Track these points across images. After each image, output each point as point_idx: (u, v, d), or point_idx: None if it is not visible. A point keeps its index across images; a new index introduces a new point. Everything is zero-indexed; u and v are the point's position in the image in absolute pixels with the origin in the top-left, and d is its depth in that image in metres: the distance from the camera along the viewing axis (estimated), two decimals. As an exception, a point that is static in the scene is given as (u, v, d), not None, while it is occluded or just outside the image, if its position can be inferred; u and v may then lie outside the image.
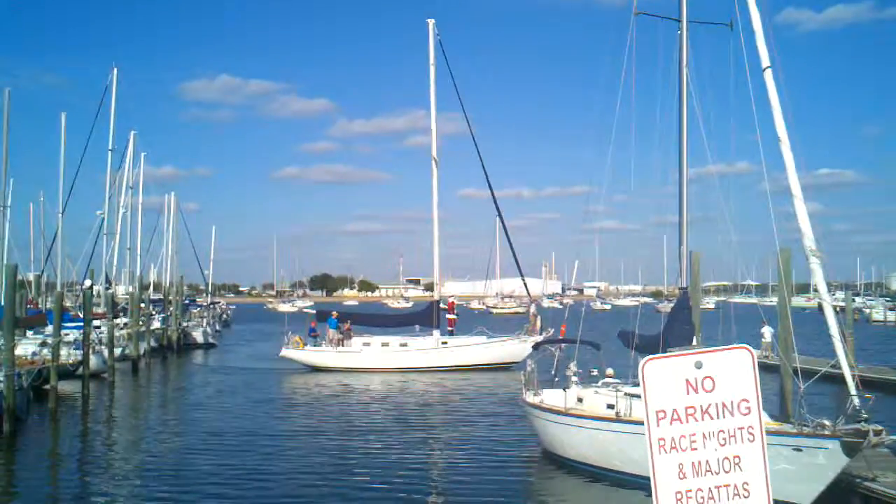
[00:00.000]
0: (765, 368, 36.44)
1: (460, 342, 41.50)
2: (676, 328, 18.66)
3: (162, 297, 58.27)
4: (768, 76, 15.39)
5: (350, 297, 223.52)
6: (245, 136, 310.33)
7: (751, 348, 4.07)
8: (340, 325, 41.18)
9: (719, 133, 18.28)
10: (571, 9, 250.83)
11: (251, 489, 16.77)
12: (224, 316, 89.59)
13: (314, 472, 18.18)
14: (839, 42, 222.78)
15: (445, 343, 40.91)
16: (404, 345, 40.58)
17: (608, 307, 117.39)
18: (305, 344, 41.12)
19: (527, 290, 45.82)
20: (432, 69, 42.64)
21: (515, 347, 38.96)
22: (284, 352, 40.83)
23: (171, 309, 53.35)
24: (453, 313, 44.91)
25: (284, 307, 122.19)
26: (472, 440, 22.05)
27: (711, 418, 4.03)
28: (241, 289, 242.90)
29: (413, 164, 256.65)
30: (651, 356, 4.08)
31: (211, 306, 77.13)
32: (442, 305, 42.92)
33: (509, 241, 47.42)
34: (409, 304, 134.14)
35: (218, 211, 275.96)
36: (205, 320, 64.21)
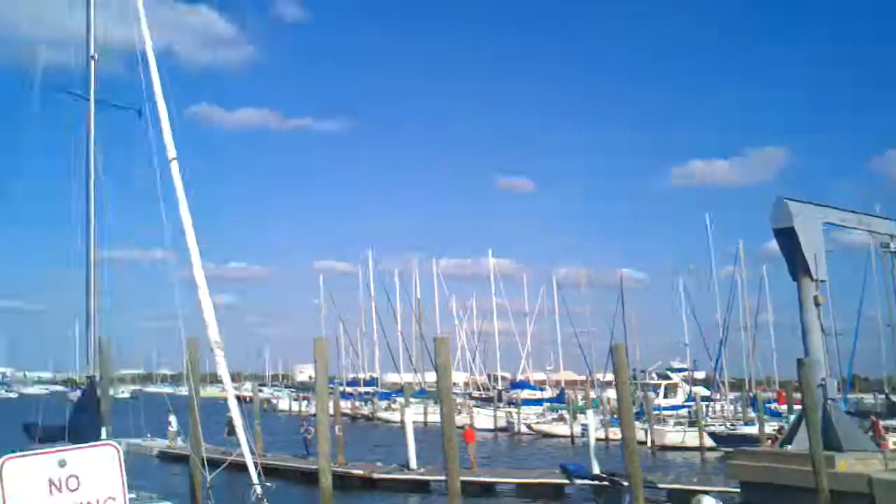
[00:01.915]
0: (174, 458, 36.22)
1: None
2: (84, 418, 17.60)
3: None
4: (174, 167, 15.66)
5: None
6: None
7: (117, 444, 3.96)
8: None
9: (136, 219, 17.82)
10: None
11: None
12: None
13: None
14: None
15: None
16: None
17: (14, 395, 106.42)
18: None
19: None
20: None
21: None
22: None
23: None
24: None
25: None
26: None
27: (74, 519, 3.79)
28: None
29: None
30: (9, 455, 3.72)
31: None
32: None
33: None
34: None
35: None
36: None
